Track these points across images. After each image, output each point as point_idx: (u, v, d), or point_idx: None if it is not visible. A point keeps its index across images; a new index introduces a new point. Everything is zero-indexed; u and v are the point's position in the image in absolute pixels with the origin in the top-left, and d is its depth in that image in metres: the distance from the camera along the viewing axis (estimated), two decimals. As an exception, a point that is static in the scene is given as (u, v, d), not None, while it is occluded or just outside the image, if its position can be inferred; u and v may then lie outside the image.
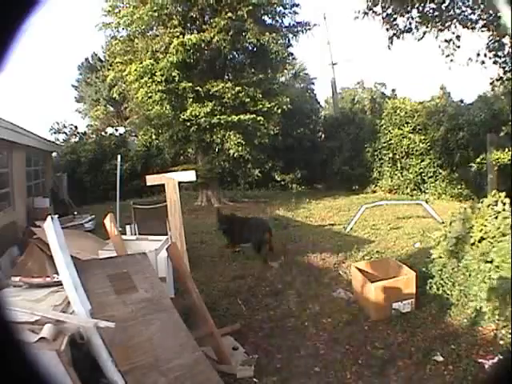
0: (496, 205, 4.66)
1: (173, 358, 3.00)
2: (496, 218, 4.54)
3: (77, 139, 20.71)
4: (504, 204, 4.58)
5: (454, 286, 4.65)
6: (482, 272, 4.26)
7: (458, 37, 9.16)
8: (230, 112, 11.85)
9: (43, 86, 42.93)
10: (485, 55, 9.03)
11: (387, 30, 9.42)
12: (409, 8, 8.95)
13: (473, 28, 8.85)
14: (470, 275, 4.45)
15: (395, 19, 9.22)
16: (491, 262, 4.25)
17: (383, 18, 9.22)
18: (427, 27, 9.13)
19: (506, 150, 7.17)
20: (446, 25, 9.05)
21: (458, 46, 9.24)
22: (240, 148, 12.05)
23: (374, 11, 9.22)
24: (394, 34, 9.44)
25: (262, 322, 4.65)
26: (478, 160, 9.26)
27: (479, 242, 4.49)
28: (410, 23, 9.25)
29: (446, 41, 9.23)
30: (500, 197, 4.70)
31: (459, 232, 4.76)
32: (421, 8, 8.97)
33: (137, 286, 3.41)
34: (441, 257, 4.89)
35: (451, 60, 9.30)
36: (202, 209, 12.66)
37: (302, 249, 7.34)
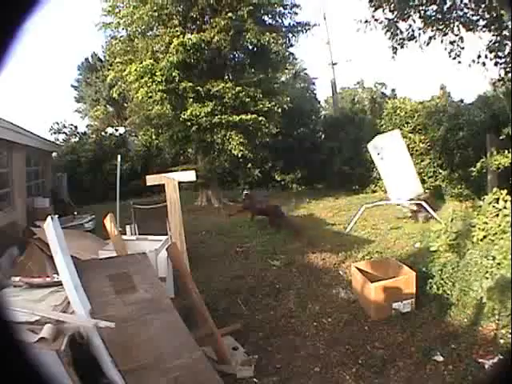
0: (497, 202, 4.66)
1: (173, 358, 3.00)
2: (497, 215, 4.54)
3: (77, 139, 20.67)
4: (506, 201, 4.58)
5: (454, 285, 4.65)
6: (484, 267, 4.28)
7: (461, 38, 9.11)
8: (230, 112, 11.84)
9: (43, 86, 42.87)
10: (485, 56, 8.98)
11: (390, 38, 9.32)
12: (411, 12, 8.87)
13: (475, 29, 8.79)
14: (471, 271, 4.45)
15: (397, 26, 9.13)
16: (493, 258, 4.27)
17: (386, 26, 9.13)
18: (431, 31, 9.04)
19: (506, 152, 7.15)
20: (449, 28, 8.98)
21: (463, 48, 9.19)
22: (242, 148, 12.05)
23: (375, 19, 9.13)
24: (398, 43, 9.35)
25: (261, 322, 4.65)
26: (479, 165, 9.18)
27: (481, 240, 4.50)
28: (413, 30, 9.16)
29: (450, 43, 9.18)
30: (501, 194, 4.69)
31: (460, 227, 4.77)
32: (422, 12, 8.90)
33: (137, 286, 3.41)
34: (440, 251, 4.88)
35: (459, 62, 9.23)
36: (201, 209, 12.66)
37: (302, 249, 7.35)
